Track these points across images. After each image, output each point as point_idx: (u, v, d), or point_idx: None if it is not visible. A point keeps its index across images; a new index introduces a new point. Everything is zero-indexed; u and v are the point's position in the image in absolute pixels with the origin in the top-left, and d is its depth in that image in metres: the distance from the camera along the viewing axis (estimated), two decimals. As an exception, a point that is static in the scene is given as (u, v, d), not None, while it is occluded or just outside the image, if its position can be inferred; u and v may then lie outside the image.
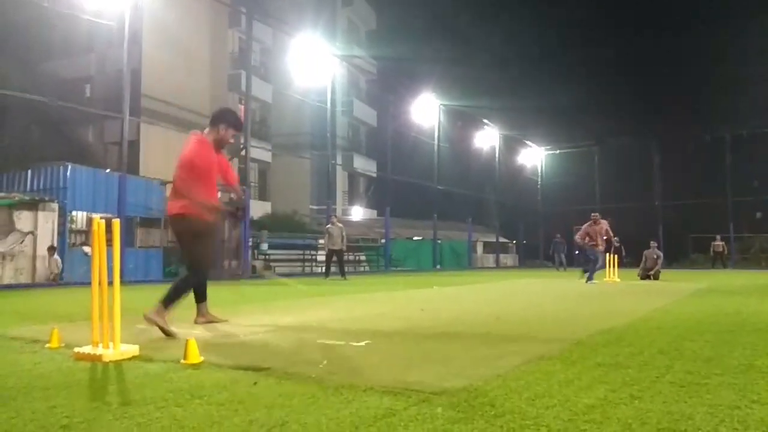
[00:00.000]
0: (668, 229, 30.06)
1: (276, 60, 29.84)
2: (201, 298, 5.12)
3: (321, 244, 22.62)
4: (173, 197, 4.78)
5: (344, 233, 15.85)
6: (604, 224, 14.01)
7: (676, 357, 3.54)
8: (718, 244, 28.20)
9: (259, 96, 28.99)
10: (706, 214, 31.72)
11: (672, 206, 32.04)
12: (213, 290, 5.41)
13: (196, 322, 5.02)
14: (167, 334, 4.30)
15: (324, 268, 16.16)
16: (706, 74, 40.84)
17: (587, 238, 13.79)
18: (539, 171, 38.34)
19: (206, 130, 4.92)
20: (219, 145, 4.91)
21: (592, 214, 14.25)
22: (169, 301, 4.46)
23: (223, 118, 4.93)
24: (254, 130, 24.71)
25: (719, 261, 27.85)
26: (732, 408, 2.36)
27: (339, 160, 31.88)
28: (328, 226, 16.02)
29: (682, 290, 10.44)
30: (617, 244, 18.93)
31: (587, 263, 14.32)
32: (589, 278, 13.35)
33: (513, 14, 52.67)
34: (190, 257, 4.80)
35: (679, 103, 41.53)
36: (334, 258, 15.84)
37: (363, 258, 25.66)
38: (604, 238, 14.11)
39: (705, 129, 32.65)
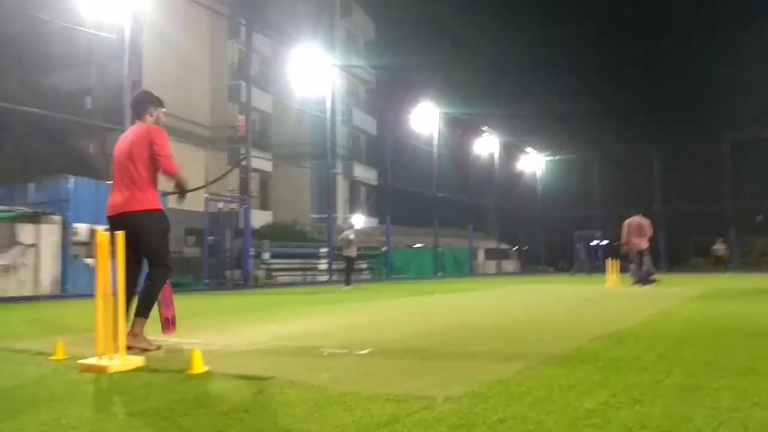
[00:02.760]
0: (669, 234, 30.06)
1: (275, 70, 29.97)
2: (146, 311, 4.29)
3: (323, 252, 22.69)
4: (135, 190, 4.25)
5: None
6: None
7: (676, 361, 3.55)
8: (719, 247, 28.22)
9: (259, 106, 29.10)
10: (706, 218, 31.78)
11: (672, 211, 32.07)
12: (216, 300, 5.40)
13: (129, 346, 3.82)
14: (156, 348, 4.18)
15: (346, 276, 15.98)
16: (704, 81, 41.03)
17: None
18: (539, 177, 38.38)
19: (141, 122, 4.46)
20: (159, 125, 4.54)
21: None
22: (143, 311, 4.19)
23: (149, 101, 4.53)
24: (255, 140, 24.78)
25: (720, 265, 27.87)
26: (732, 411, 2.38)
27: (339, 169, 31.97)
28: (349, 233, 15.69)
29: (682, 294, 10.44)
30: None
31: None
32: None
33: (512, 22, 52.90)
34: (159, 255, 4.34)
35: (678, 110, 41.69)
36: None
37: (364, 266, 25.66)
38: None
39: (704, 135, 32.77)
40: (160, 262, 4.35)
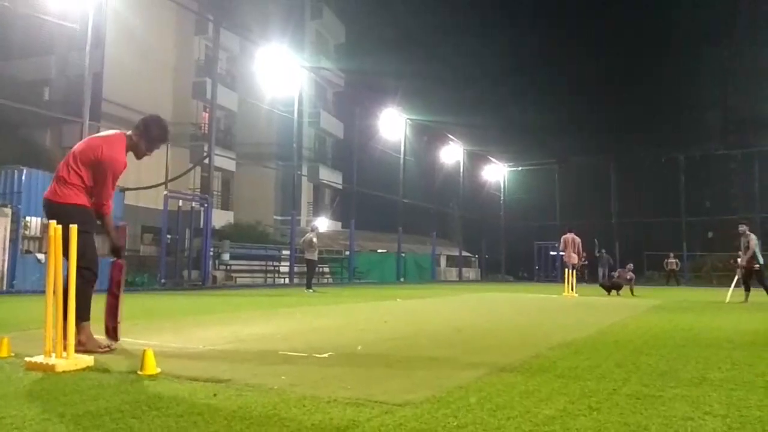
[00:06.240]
0: (624, 247, 30.87)
1: (242, 69, 29.61)
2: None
3: (285, 255, 22.45)
4: (65, 186, 4.13)
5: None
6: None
7: (632, 370, 3.62)
8: (672, 261, 29.09)
9: (224, 104, 28.69)
10: (660, 232, 32.77)
11: (628, 224, 32.99)
12: (172, 300, 5.26)
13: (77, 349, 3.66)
14: (108, 348, 4.08)
15: (307, 280, 15.74)
16: (662, 98, 42.51)
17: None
18: (502, 187, 38.92)
19: (131, 132, 4.41)
20: (134, 150, 4.44)
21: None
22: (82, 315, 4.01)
23: (150, 129, 4.43)
24: (219, 138, 24.43)
25: (673, 278, 28.70)
26: (686, 419, 2.43)
27: (304, 171, 31.74)
28: (311, 236, 15.46)
29: (637, 306, 10.70)
30: (584, 262, 20.44)
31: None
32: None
33: (479, 34, 53.75)
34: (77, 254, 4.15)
35: (636, 125, 43.14)
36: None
37: (327, 270, 25.50)
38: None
39: (660, 150, 33.83)
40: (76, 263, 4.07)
